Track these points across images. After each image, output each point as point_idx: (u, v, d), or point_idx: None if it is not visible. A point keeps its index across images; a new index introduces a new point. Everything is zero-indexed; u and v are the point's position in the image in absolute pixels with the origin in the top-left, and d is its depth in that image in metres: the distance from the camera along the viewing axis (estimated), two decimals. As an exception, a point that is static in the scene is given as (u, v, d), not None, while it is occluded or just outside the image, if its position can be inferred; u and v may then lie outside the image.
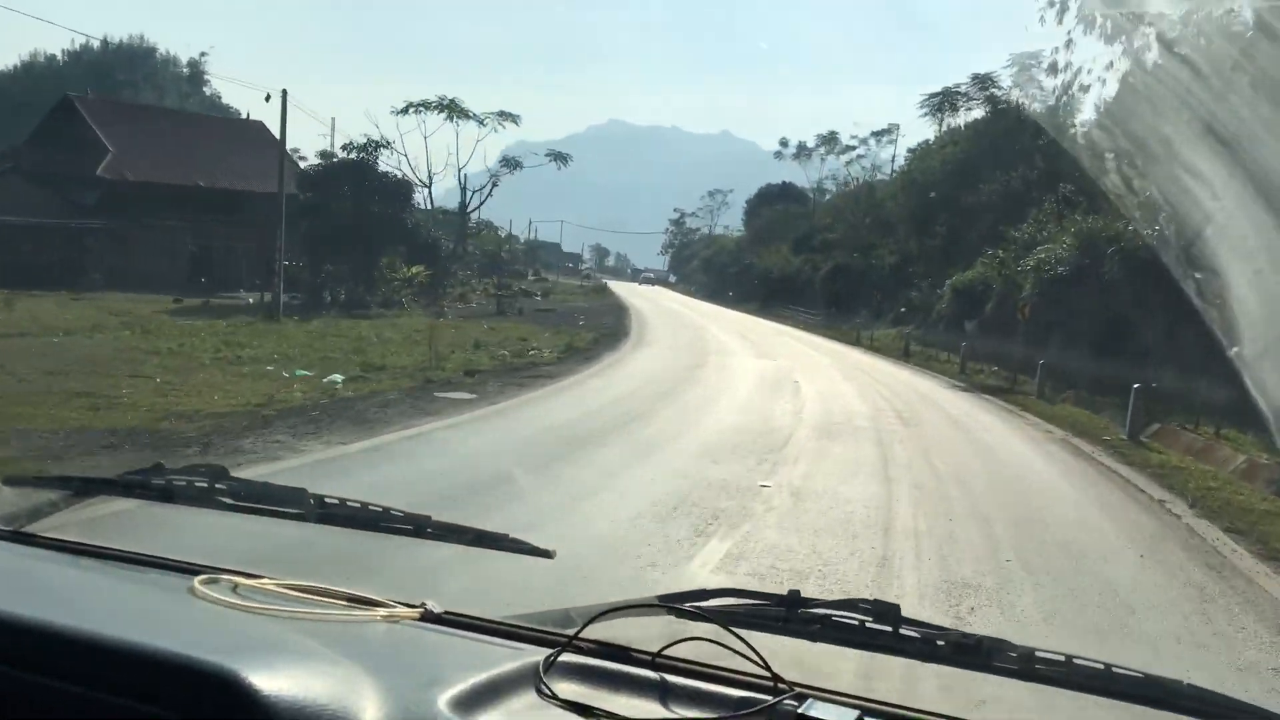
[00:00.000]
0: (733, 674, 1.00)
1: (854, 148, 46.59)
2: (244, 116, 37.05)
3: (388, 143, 29.24)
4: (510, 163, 36.05)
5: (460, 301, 30.67)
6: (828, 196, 48.36)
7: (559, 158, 37.03)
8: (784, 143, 55.17)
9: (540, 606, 1.21)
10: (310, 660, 0.92)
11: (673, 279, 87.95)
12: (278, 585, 1.14)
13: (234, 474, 1.44)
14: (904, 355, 22.97)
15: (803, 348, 23.34)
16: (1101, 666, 1.00)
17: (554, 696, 0.93)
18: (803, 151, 52.22)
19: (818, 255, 39.07)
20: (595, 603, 1.10)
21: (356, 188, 26.33)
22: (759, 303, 42.32)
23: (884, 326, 29.27)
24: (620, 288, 60.67)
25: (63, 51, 52.39)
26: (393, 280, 27.58)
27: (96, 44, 54.15)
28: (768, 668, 0.98)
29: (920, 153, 35.43)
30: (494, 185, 37.12)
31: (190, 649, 0.87)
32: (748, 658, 0.99)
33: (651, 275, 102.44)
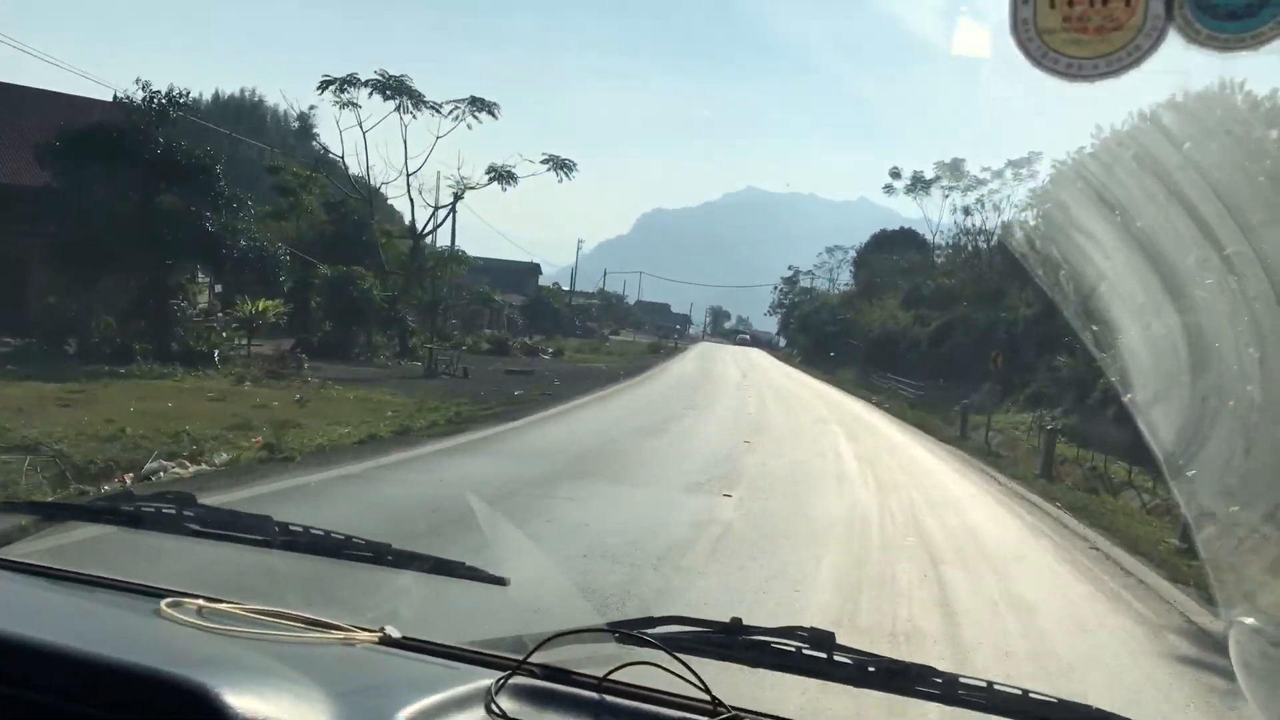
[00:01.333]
0: (675, 697, 1.27)
1: (984, 181, 43.29)
2: (350, 170, 39.80)
3: (182, 97, 20.77)
4: (501, 174, 32.35)
5: (403, 357, 28.41)
6: (962, 249, 46.24)
7: (560, 166, 33.00)
8: (895, 173, 49.80)
9: (496, 632, 1.50)
10: (273, 679, 1.14)
11: (782, 342, 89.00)
12: (242, 609, 1.41)
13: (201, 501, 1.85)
14: (1045, 474, 14.33)
15: (844, 449, 15.89)
16: (1019, 692, 1.31)
17: (503, 716, 1.19)
18: (918, 184, 47.37)
19: (931, 310, 35.09)
20: (548, 629, 1.39)
21: (131, 170, 19.25)
22: (858, 368, 42.67)
23: (1012, 409, 22.86)
24: (700, 349, 70.08)
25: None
26: (231, 319, 22.84)
27: (208, 98, 61.61)
28: (707, 691, 1.24)
29: (1077, 162, 29.83)
30: (457, 198, 33.70)
31: (161, 664, 1.09)
32: (689, 681, 1.25)
33: (748, 337, 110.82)
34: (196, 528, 1.72)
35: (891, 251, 52.29)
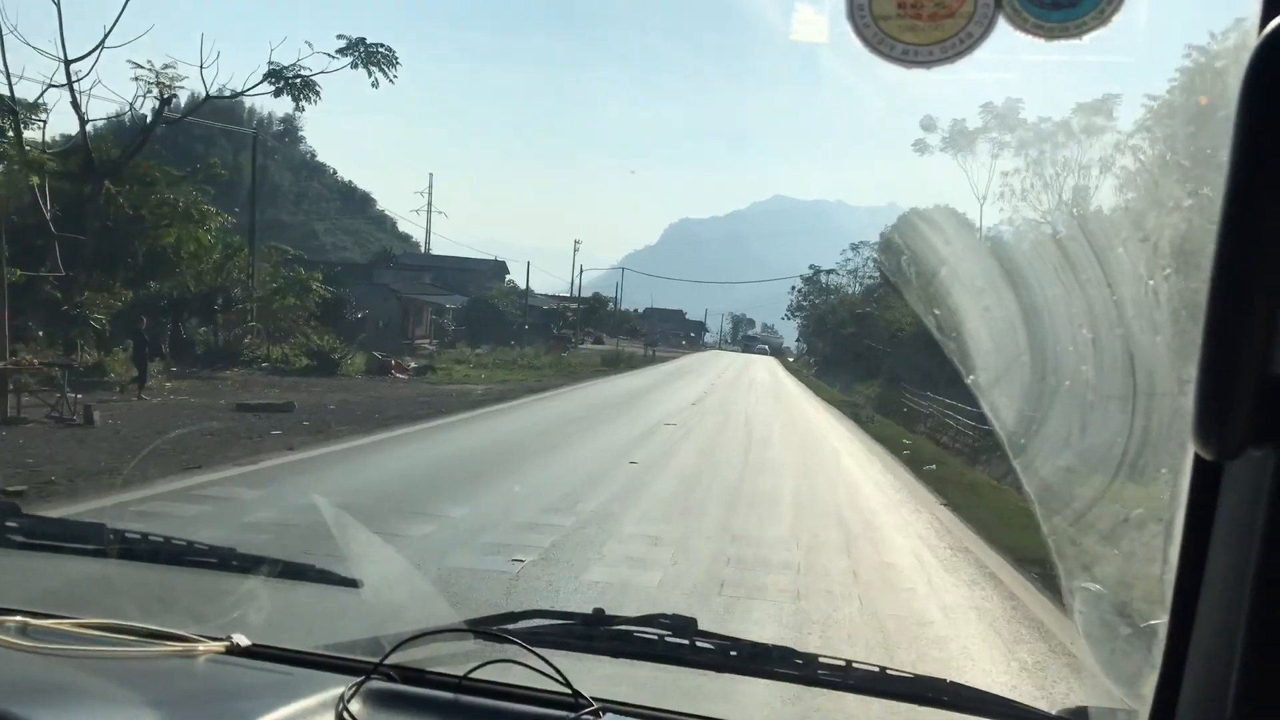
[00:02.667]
0: (535, 692, 1.35)
1: (1048, 133, 33.98)
2: (338, 174, 35.86)
3: None
4: (289, 80, 22.55)
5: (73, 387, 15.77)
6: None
7: (371, 60, 23.38)
8: (927, 125, 39.66)
9: (351, 636, 1.54)
10: (99, 701, 1.15)
11: (804, 347, 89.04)
12: (73, 625, 1.43)
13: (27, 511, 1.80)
14: None
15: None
16: (877, 669, 1.48)
17: None
18: (959, 136, 38.20)
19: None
20: (406, 630, 1.44)
21: None
22: (883, 381, 35.67)
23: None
24: (692, 359, 63.89)
25: (152, 109, 62.20)
26: None
27: (183, 100, 61.84)
28: (567, 684, 1.32)
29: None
30: (162, 107, 22.88)
31: None
32: (549, 676, 1.33)
33: (766, 347, 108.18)
34: (22, 539, 1.73)
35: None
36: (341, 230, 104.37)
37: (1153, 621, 1.17)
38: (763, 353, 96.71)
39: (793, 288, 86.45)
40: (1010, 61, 1.93)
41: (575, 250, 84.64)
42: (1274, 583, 0.83)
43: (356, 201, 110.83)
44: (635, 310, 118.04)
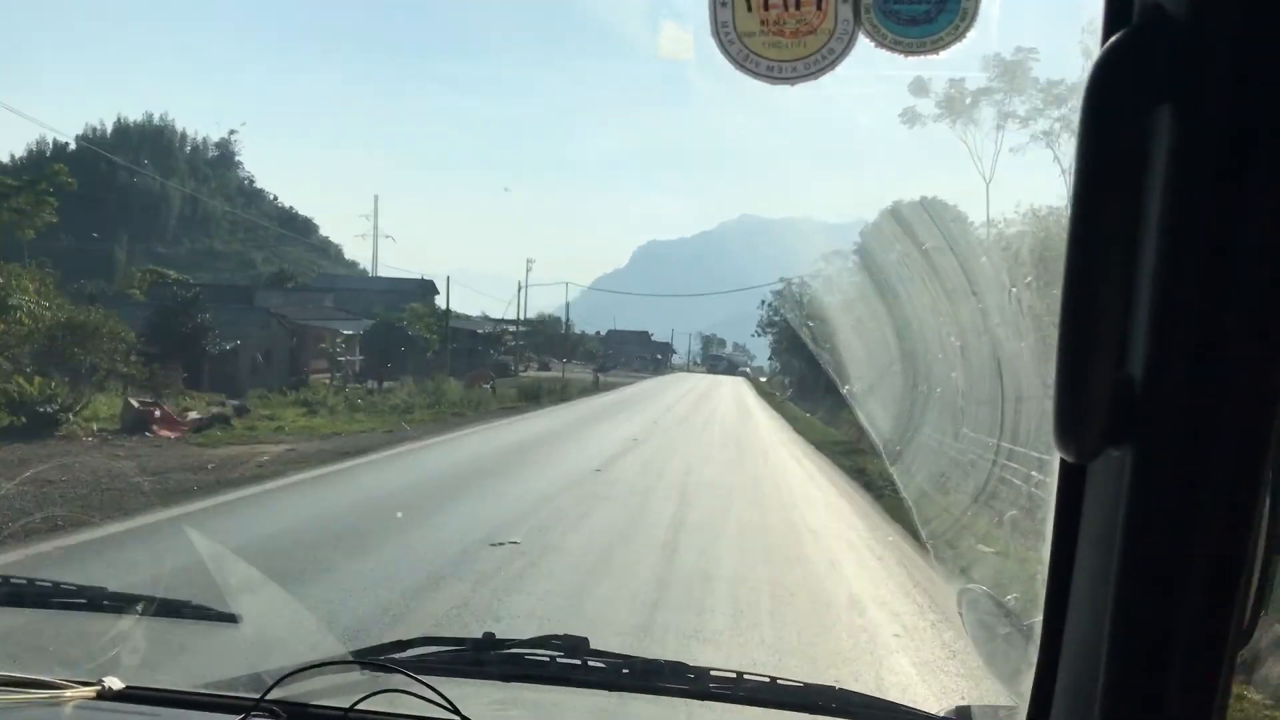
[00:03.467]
0: None
1: (1063, 96, 27.09)
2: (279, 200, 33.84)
3: None
4: None
5: None
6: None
7: None
8: (919, 88, 29.90)
9: (232, 673, 1.56)
10: None
11: (776, 366, 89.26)
12: None
13: None
14: None
15: None
16: (767, 680, 1.56)
17: None
18: (958, 98, 30.95)
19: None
20: (290, 664, 1.44)
21: None
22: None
23: None
24: (643, 386, 59.05)
25: (75, 137, 60.56)
26: None
27: (110, 127, 60.12)
28: (456, 711, 1.34)
29: None
30: None
31: None
32: (438, 704, 1.34)
33: (749, 369, 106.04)
34: None
35: (914, 230, 47.26)
36: (281, 259, 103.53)
37: (1032, 620, 1.25)
38: (744, 375, 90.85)
39: (763, 301, 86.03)
40: (870, 76, 2.08)
41: (528, 270, 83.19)
42: (1135, 581, 0.87)
43: (299, 228, 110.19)
44: (597, 333, 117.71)
